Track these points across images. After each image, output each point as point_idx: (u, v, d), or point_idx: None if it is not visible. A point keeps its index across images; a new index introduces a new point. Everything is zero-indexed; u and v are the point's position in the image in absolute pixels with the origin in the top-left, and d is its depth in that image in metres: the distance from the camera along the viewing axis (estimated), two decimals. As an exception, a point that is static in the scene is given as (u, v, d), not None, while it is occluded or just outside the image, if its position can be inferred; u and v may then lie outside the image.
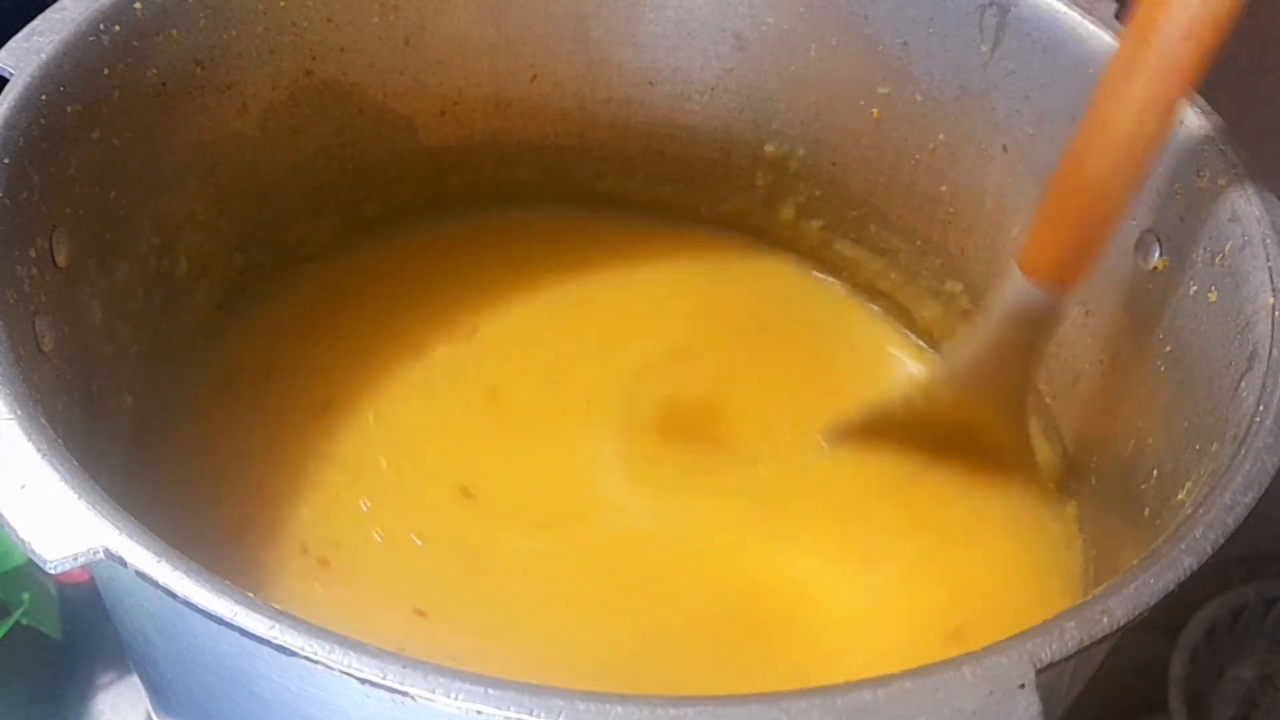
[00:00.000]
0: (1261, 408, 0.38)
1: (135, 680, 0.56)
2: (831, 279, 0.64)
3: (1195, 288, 0.45)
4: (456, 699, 0.29)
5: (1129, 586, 0.33)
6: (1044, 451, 0.56)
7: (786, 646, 0.49)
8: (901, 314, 0.63)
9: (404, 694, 0.29)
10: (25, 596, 0.55)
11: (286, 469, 0.52)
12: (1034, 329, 0.49)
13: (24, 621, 0.54)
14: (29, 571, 0.55)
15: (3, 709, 0.55)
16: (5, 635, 0.53)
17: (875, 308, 0.63)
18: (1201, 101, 0.47)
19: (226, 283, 0.58)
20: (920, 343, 0.62)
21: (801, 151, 0.61)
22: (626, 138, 0.63)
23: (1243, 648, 0.61)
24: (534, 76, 0.61)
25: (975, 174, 0.56)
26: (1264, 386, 0.39)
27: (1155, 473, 0.45)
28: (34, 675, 0.57)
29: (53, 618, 0.55)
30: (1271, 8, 0.70)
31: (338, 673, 0.29)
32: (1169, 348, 0.46)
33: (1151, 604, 0.33)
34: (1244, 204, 0.43)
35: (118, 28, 0.48)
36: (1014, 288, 0.48)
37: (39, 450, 0.34)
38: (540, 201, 0.64)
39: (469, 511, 0.52)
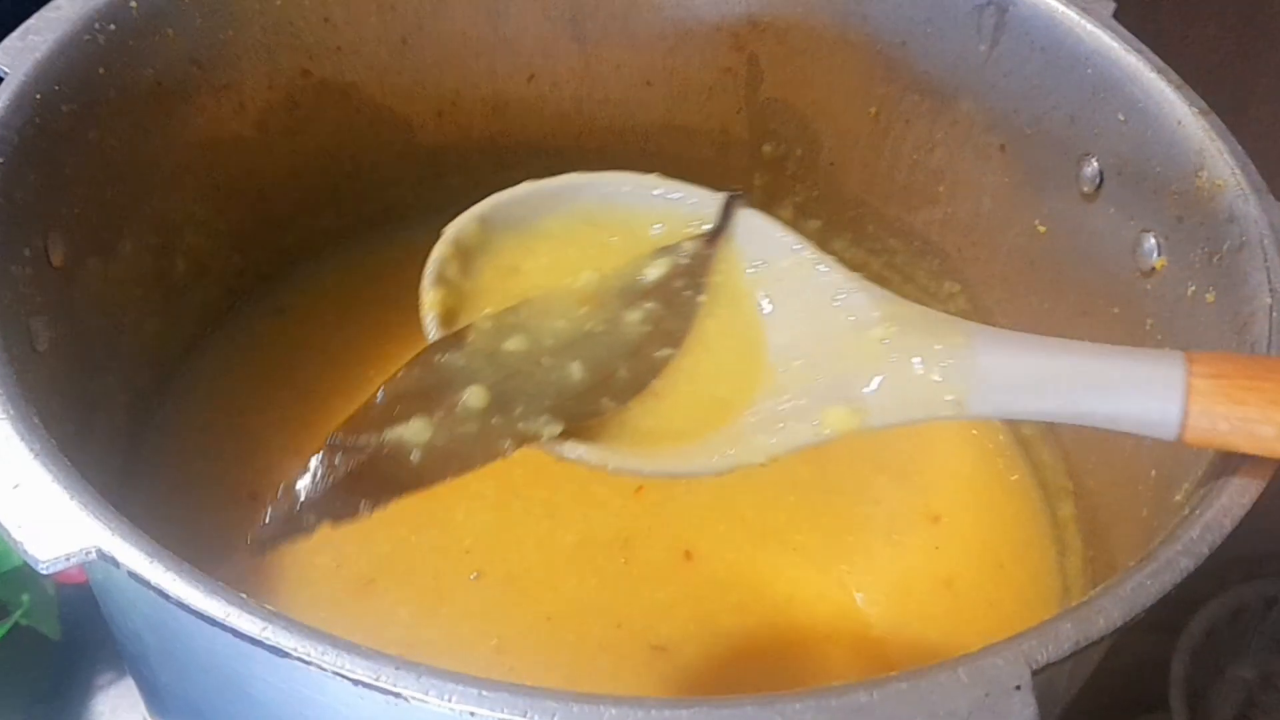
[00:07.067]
0: (1259, 408, 0.38)
1: (133, 681, 0.57)
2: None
3: (1193, 288, 0.45)
4: (450, 700, 0.29)
5: (1125, 588, 0.33)
6: (1043, 452, 0.56)
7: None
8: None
9: (397, 695, 0.29)
10: (25, 597, 0.55)
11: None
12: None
13: (23, 622, 0.54)
14: (28, 572, 0.55)
15: (2, 709, 0.55)
16: (5, 636, 0.53)
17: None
18: (1200, 101, 0.46)
19: (224, 283, 0.58)
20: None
21: (799, 152, 0.61)
22: (624, 138, 0.63)
23: (1243, 647, 0.61)
24: (531, 77, 0.61)
25: (973, 174, 0.56)
26: (1261, 387, 0.39)
27: (1153, 473, 0.45)
28: (34, 676, 0.57)
29: (52, 618, 0.55)
30: (1267, 8, 0.70)
31: (331, 674, 0.29)
32: (1167, 348, 0.46)
33: (1147, 606, 0.33)
34: (1241, 204, 0.43)
35: (113, 27, 0.48)
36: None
37: (32, 450, 0.34)
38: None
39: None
